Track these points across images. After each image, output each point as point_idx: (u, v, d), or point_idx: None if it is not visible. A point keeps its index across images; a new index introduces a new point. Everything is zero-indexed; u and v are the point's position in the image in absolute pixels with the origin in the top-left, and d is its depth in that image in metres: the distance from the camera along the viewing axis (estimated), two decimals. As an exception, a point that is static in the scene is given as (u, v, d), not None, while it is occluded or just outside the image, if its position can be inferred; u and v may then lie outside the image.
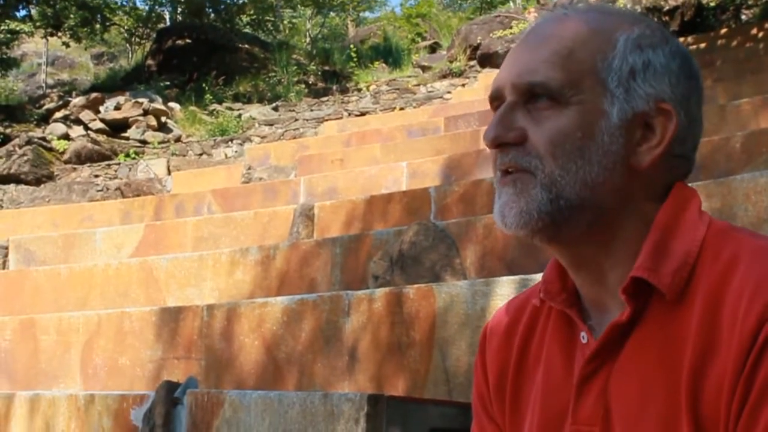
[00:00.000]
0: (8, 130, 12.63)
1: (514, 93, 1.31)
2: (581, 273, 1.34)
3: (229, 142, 12.62)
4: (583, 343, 1.33)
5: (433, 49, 17.81)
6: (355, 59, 17.01)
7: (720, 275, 1.22)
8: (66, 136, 12.43)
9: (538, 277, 3.84)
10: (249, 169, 10.56)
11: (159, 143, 12.60)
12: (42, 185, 11.07)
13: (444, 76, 14.29)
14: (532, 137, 1.29)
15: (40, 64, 24.53)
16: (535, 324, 1.44)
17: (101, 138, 12.51)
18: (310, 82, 16.09)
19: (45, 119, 13.32)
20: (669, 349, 1.23)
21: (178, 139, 12.93)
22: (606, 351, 1.29)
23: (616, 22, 1.33)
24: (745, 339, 1.16)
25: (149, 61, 17.34)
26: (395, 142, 9.82)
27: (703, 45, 12.03)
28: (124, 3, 21.16)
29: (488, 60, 13.67)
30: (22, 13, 17.66)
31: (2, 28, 16.94)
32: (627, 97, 1.29)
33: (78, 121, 12.80)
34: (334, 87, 15.54)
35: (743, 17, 14.31)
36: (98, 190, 10.73)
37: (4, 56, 17.16)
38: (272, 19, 21.99)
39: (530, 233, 1.30)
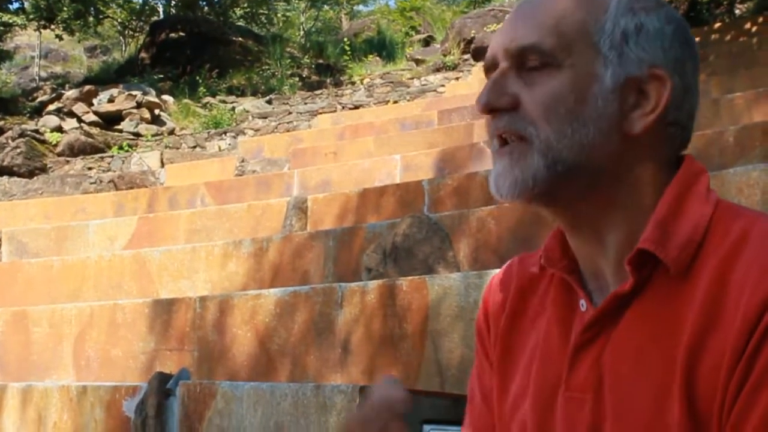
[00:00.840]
0: (1, 123, 12.60)
1: (507, 58, 1.31)
2: (579, 235, 1.34)
3: (223, 135, 12.60)
4: (582, 310, 1.33)
5: (427, 42, 17.79)
6: (349, 52, 16.99)
7: (727, 253, 1.22)
8: (59, 129, 12.41)
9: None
10: (242, 161, 10.55)
11: (152, 136, 12.58)
12: (35, 178, 11.05)
13: (438, 70, 14.28)
14: (525, 102, 1.28)
15: (33, 57, 24.48)
16: (534, 287, 1.45)
17: (94, 131, 12.49)
18: (304, 75, 16.08)
19: (38, 112, 13.29)
20: (668, 324, 1.23)
21: (171, 132, 12.91)
22: (604, 320, 1.29)
23: None
24: (748, 320, 1.15)
25: (143, 54, 17.30)
26: (389, 135, 9.81)
27: (696, 39, 11.96)
28: (118, -5, 21.10)
29: (482, 54, 13.63)
30: (15, 5, 17.66)
31: (-5, 20, 16.91)
32: (620, 61, 1.28)
33: (71, 114, 12.77)
34: (328, 80, 15.52)
35: (737, 12, 14.33)
36: (91, 183, 10.71)
37: (-3, 48, 17.13)
38: (266, 12, 21.94)
39: (526, 200, 1.30)
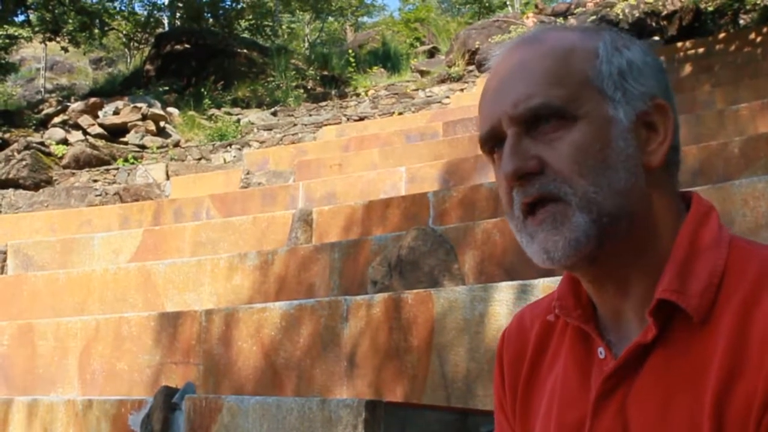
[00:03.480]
0: (7, 135, 12.62)
1: (514, 124, 1.27)
2: (603, 288, 1.32)
3: (228, 147, 12.61)
4: (601, 358, 1.32)
5: (432, 53, 17.82)
6: (354, 64, 17.01)
7: (747, 297, 1.21)
8: (64, 141, 12.43)
9: (536, 282, 3.84)
10: (247, 174, 10.56)
11: (158, 148, 12.60)
12: (40, 190, 11.06)
13: (442, 81, 14.30)
14: (551, 162, 1.25)
15: (38, 69, 24.53)
16: (549, 335, 1.43)
17: (100, 143, 12.51)
18: (309, 87, 16.10)
19: (44, 124, 13.31)
20: (692, 371, 1.22)
21: (176, 144, 12.93)
22: (627, 369, 1.28)
23: (585, 32, 1.33)
24: None
25: (148, 66, 17.34)
26: (394, 146, 9.82)
27: (701, 50, 12.04)
28: (123, 8, 21.17)
29: (487, 65, 13.65)
30: (21, 17, 17.67)
31: (0, 33, 16.94)
32: (626, 99, 1.28)
33: (77, 126, 12.79)
34: (333, 92, 15.54)
35: (741, 22, 14.32)
36: (97, 195, 10.72)
37: (3, 61, 17.16)
38: (271, 24, 21.98)
39: (581, 260, 1.27)
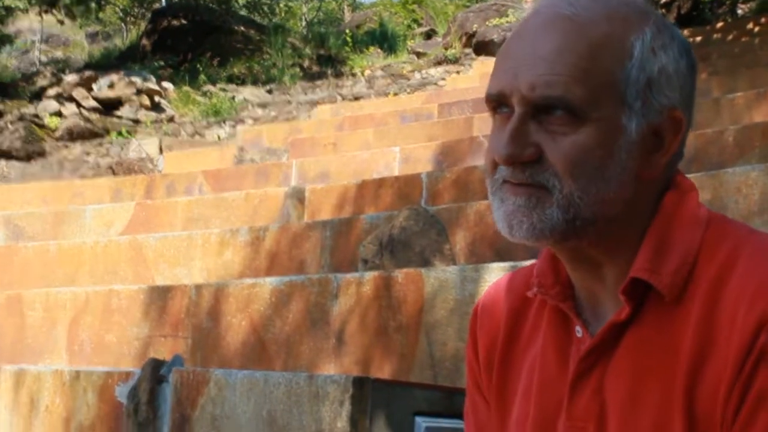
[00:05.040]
0: (0, 107, 12.57)
1: (524, 105, 1.25)
2: (578, 268, 1.33)
3: (222, 124, 12.58)
4: (578, 337, 1.32)
5: (429, 35, 17.77)
6: (351, 44, 16.96)
7: (718, 275, 1.21)
8: (58, 114, 12.38)
9: (527, 263, 3.84)
10: (241, 150, 10.54)
11: (152, 123, 12.56)
12: (33, 162, 11.03)
13: (439, 63, 14.26)
14: (549, 154, 1.24)
15: (34, 42, 24.41)
16: (526, 309, 1.43)
17: (94, 116, 12.46)
18: (305, 66, 16.05)
19: (38, 96, 13.26)
20: (665, 350, 1.22)
21: (171, 119, 12.89)
22: (602, 348, 1.28)
23: (626, 20, 1.26)
24: (743, 343, 1.15)
25: (144, 41, 17.26)
26: (388, 127, 9.80)
27: (699, 38, 12.03)
28: (120, -18, 21.08)
29: (484, 48, 13.65)
30: (17, -11, 17.57)
31: (-3, 4, 16.87)
32: (644, 111, 1.25)
33: (71, 99, 12.74)
34: (329, 71, 15.50)
35: (739, 12, 14.32)
36: (89, 168, 10.70)
37: (-2, 32, 17.09)
38: (268, 1, 21.90)
39: (537, 244, 1.28)
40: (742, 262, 1.21)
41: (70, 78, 13.23)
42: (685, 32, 12.43)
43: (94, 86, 13.01)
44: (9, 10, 17.57)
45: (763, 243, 1.24)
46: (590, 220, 1.24)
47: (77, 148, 11.57)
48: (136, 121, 12.60)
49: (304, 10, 23.96)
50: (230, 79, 15.10)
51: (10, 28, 20.37)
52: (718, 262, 1.22)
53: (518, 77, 1.25)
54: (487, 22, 14.22)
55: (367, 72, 14.88)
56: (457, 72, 13.59)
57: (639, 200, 1.28)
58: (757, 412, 1.14)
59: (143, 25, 19.64)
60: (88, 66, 16.31)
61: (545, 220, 1.24)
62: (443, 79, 13.21)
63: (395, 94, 12.87)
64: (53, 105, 12.55)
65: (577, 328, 1.32)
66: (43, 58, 22.49)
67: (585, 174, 1.23)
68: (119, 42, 23.04)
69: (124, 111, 12.75)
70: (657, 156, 1.27)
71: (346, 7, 27.94)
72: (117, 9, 22.27)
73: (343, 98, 13.22)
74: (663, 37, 1.27)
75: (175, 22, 17.09)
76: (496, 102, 1.29)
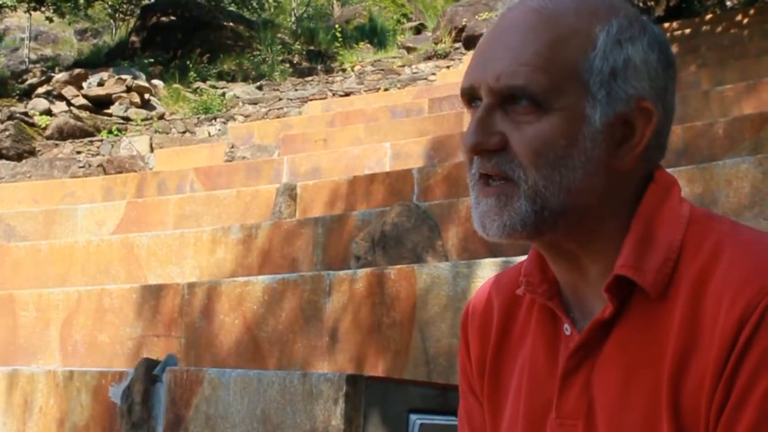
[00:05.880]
0: (-10, 105, 12.55)
1: (491, 95, 1.27)
2: (560, 263, 1.34)
3: (213, 121, 12.57)
4: (567, 334, 1.33)
5: (419, 30, 17.75)
6: (340, 39, 16.94)
7: (701, 270, 1.22)
8: (48, 112, 12.36)
9: (519, 259, 3.84)
10: (232, 147, 10.53)
11: (142, 120, 12.54)
12: (23, 161, 11.00)
13: (429, 58, 14.26)
14: (513, 143, 1.25)
15: (23, 39, 24.34)
16: (516, 307, 1.44)
17: (84, 114, 12.44)
18: (295, 62, 16.03)
19: (27, 94, 13.23)
20: (651, 345, 1.23)
21: (161, 117, 12.87)
22: (589, 346, 1.29)
23: (594, 12, 1.28)
24: (726, 338, 1.16)
25: (133, 38, 17.23)
26: (379, 122, 9.80)
27: (688, 30, 12.04)
28: (108, -22, 21.00)
29: (473, 42, 13.64)
30: (5, -14, 17.52)
31: (-16, 2, 16.82)
32: (609, 100, 1.26)
33: (60, 97, 12.72)
34: (319, 67, 15.49)
35: (728, 3, 14.33)
36: (80, 167, 10.68)
37: (-13, 30, 17.03)
38: (257, -3, 21.85)
39: (512, 241, 1.29)
40: (724, 257, 1.21)
41: (60, 76, 13.20)
42: (674, 24, 12.45)
43: (84, 84, 12.98)
44: (-3, 8, 17.50)
45: (745, 238, 1.24)
46: (559, 210, 1.25)
47: (68, 147, 11.55)
48: (127, 119, 12.58)
49: (293, 5, 23.91)
50: (220, 76, 15.08)
51: (-2, 26, 20.31)
52: (701, 258, 1.23)
53: (486, 70, 1.28)
54: (476, 17, 14.22)
55: (357, 67, 14.88)
56: (447, 67, 13.59)
57: (614, 193, 1.28)
58: (742, 407, 1.14)
59: (132, 21, 19.59)
60: (77, 63, 16.28)
61: (515, 215, 1.26)
62: (433, 74, 13.21)
63: (386, 90, 12.87)
64: (43, 103, 12.53)
65: (566, 325, 1.33)
66: (33, 56, 22.43)
67: (548, 163, 1.24)
68: (108, 39, 23.01)
69: (114, 109, 12.73)
70: (627, 147, 1.28)
71: (335, 2, 27.89)
72: (106, 5, 22.19)
73: (334, 94, 13.21)
74: (632, 30, 1.29)
75: (164, 19, 17.06)
76: (469, 96, 1.31)
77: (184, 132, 12.34)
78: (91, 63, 15.85)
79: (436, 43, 14.67)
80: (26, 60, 21.63)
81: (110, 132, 12.11)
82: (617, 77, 1.26)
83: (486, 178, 1.29)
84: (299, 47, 16.76)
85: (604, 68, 1.26)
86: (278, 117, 12.27)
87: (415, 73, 13.69)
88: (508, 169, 1.26)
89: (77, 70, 13.38)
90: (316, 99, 12.94)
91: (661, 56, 1.31)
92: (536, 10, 1.28)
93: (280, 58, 15.75)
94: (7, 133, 11.38)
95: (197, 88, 14.21)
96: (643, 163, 1.30)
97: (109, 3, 21.62)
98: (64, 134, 11.84)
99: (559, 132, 1.24)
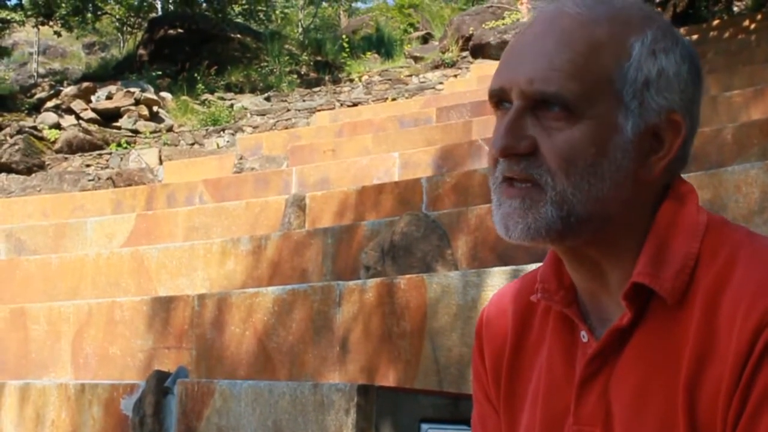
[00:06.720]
0: (-1, 120, 12.60)
1: (523, 99, 1.26)
2: (580, 270, 1.33)
3: (221, 132, 12.60)
4: (584, 341, 1.33)
5: (426, 39, 17.78)
6: (348, 50, 16.98)
7: (717, 278, 1.22)
8: (57, 126, 12.40)
9: (530, 268, 3.84)
10: (241, 159, 10.55)
11: (151, 133, 12.58)
12: (33, 175, 11.04)
13: (436, 67, 14.28)
14: (543, 149, 1.25)
15: (31, 54, 24.46)
16: (531, 315, 1.43)
17: (93, 127, 12.48)
18: (302, 73, 16.06)
19: (36, 108, 13.28)
20: (668, 354, 1.23)
21: (169, 129, 12.91)
22: (606, 353, 1.29)
23: (628, 22, 1.28)
24: (742, 346, 1.16)
25: (141, 51, 17.29)
26: (387, 132, 9.80)
27: (695, 36, 12.03)
28: (116, -8, 21.08)
29: (480, 51, 13.66)
30: (13, 1, 17.63)
31: (-7, 17, 16.89)
32: (641, 111, 1.26)
33: (69, 111, 12.76)
34: (327, 77, 15.51)
35: (735, 9, 14.32)
36: (89, 180, 10.70)
37: (-5, 45, 17.12)
38: (264, 8, 21.92)
39: (535, 244, 1.29)
40: (740, 266, 1.21)
41: (68, 89, 13.25)
42: (681, 30, 12.43)
43: (92, 97, 13.03)
44: (5, 23, 17.59)
45: (760, 246, 1.24)
46: (585, 217, 1.25)
47: (77, 160, 11.58)
48: (135, 132, 12.62)
49: (300, 16, 24.01)
50: (228, 88, 15.12)
51: (7, 41, 20.42)
52: (717, 266, 1.23)
53: (518, 72, 1.27)
54: (483, 25, 14.23)
55: (365, 77, 14.90)
56: (455, 76, 13.60)
57: (637, 202, 1.28)
58: (759, 415, 1.14)
59: (140, 34, 19.66)
60: (85, 77, 16.33)
61: (540, 219, 1.25)
62: (441, 83, 13.22)
63: (393, 99, 12.88)
64: (52, 117, 12.57)
65: (583, 332, 1.33)
66: (41, 70, 22.53)
67: (577, 171, 1.24)
68: (116, 52, 23.10)
69: (123, 122, 12.77)
70: (655, 158, 1.28)
71: (342, 12, 27.97)
72: (113, 19, 22.29)
73: (342, 104, 13.23)
74: (665, 41, 1.28)
75: (171, 31, 17.11)
76: (498, 98, 1.30)
77: (192, 144, 12.37)
78: (100, 76, 15.91)
79: (443, 53, 14.69)
80: (35, 74, 21.72)
81: (119, 145, 12.14)
82: (650, 88, 1.26)
83: (510, 180, 1.28)
84: (307, 58, 16.80)
85: (638, 78, 1.26)
86: (286, 128, 12.28)
87: (422, 82, 13.70)
88: (536, 174, 1.25)
89: (86, 84, 13.43)
90: (324, 109, 12.96)
91: (692, 69, 1.31)
92: (571, 15, 1.27)
93: (287, 69, 15.79)
94: (16, 147, 11.42)
95: (205, 100, 14.24)
96: (667, 173, 1.30)
97: (117, 16, 21.73)
98: (73, 148, 11.88)
99: (590, 140, 1.24)
